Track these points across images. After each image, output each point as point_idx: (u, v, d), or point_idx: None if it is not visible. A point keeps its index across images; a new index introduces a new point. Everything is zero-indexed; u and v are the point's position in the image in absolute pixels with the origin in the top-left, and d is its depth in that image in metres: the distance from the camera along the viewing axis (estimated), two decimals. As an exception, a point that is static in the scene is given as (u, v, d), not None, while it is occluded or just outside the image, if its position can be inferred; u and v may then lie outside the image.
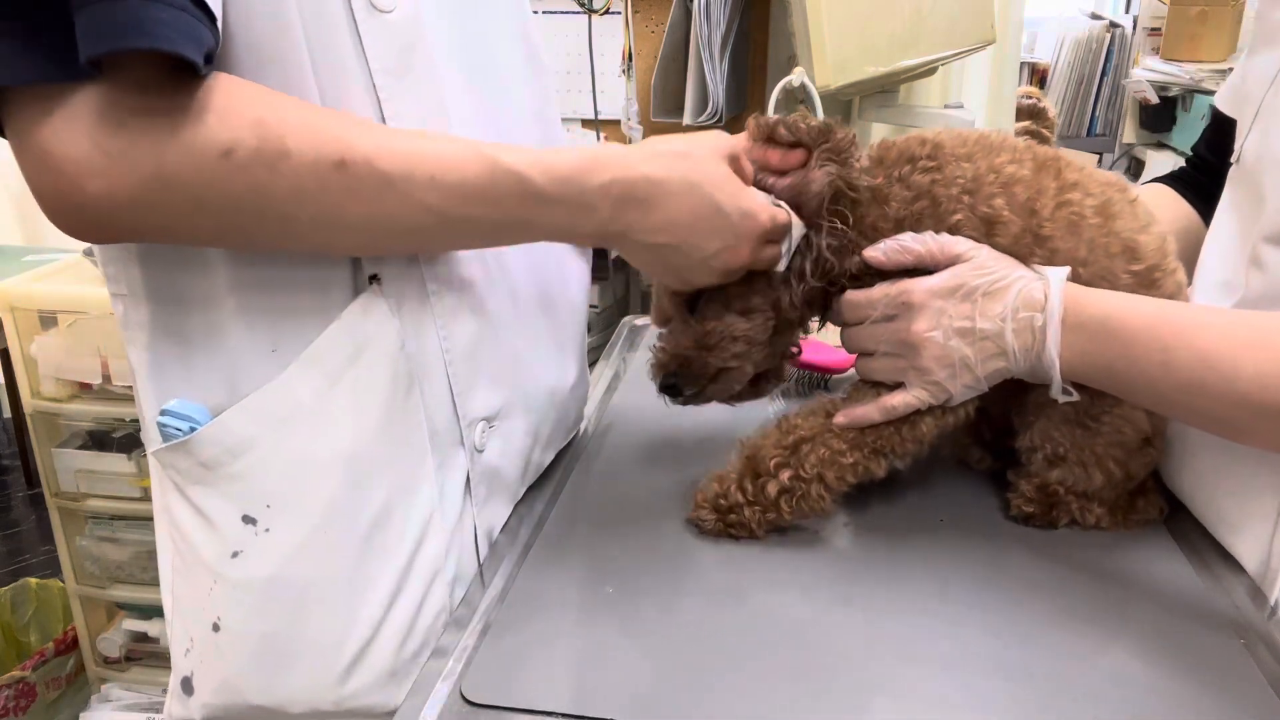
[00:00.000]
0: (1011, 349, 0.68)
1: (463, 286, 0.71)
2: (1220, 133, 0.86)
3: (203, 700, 0.69)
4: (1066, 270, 0.68)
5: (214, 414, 0.66)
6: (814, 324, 0.79)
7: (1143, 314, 0.66)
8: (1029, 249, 0.70)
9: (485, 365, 0.73)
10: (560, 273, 0.84)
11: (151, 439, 0.68)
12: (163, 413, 0.66)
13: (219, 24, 0.54)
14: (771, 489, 0.73)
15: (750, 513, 0.73)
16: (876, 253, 0.71)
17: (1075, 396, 0.69)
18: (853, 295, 0.73)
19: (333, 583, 0.67)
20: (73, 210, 0.54)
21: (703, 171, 0.66)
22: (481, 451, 0.74)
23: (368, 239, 0.62)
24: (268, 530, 0.66)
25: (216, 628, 0.67)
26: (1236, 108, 0.81)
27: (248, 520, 0.66)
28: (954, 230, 0.70)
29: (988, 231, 0.70)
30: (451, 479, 0.72)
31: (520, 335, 0.77)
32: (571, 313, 0.87)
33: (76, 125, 0.52)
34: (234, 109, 0.54)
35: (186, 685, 0.70)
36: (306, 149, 0.55)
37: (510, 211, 0.62)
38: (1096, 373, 0.67)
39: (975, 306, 0.68)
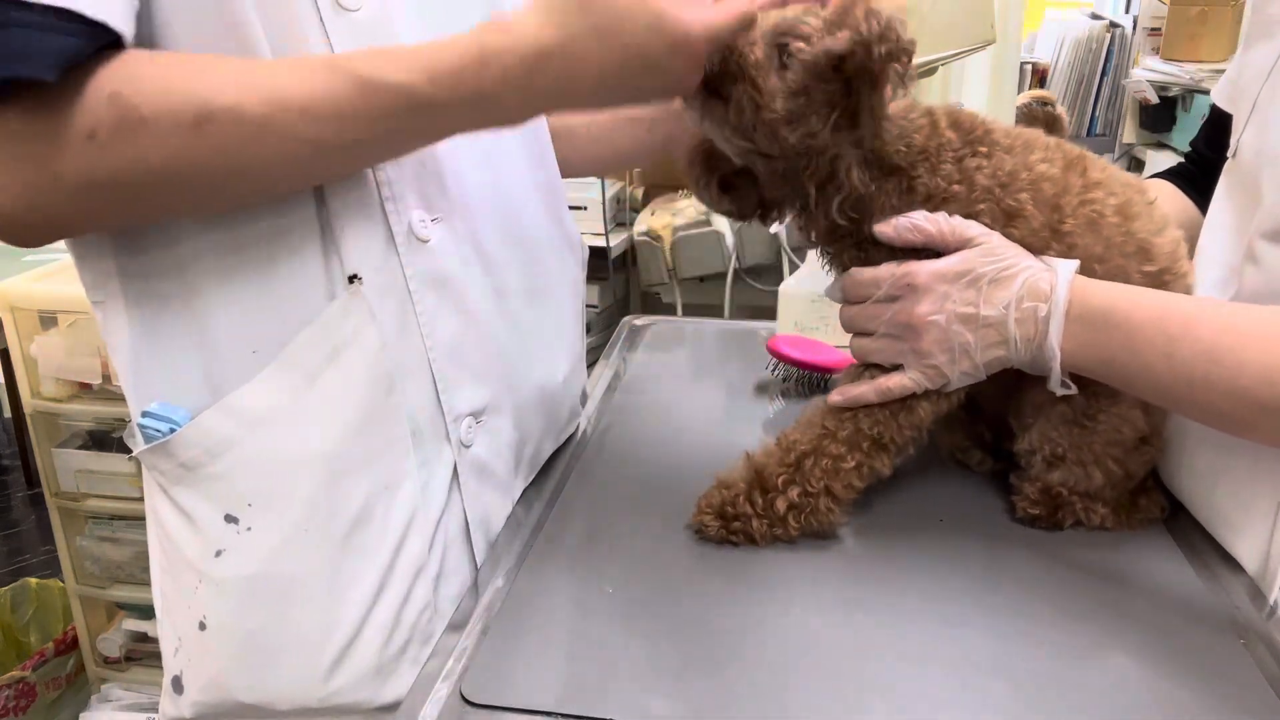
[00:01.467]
0: (1013, 338, 0.68)
1: (445, 284, 0.71)
2: (1218, 128, 0.86)
3: (192, 699, 0.69)
4: (1075, 263, 0.68)
5: (196, 416, 0.66)
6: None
7: (1147, 306, 0.65)
8: (1046, 243, 0.70)
9: (470, 361, 0.74)
10: (548, 267, 0.84)
11: (136, 441, 0.68)
12: (144, 414, 0.66)
13: (107, 20, 0.53)
14: (780, 505, 0.73)
15: (758, 524, 0.73)
16: (887, 228, 0.70)
17: (1073, 389, 0.69)
18: (856, 273, 0.73)
19: (315, 580, 0.67)
20: None
21: (609, 16, 0.58)
22: (469, 447, 0.74)
23: (267, 183, 0.61)
24: (249, 529, 0.66)
25: (203, 626, 0.68)
26: (1233, 102, 0.80)
27: (229, 519, 0.66)
28: (972, 217, 0.70)
29: (1006, 223, 0.70)
30: (436, 476, 0.73)
31: (506, 331, 0.77)
32: (560, 307, 0.86)
33: None
34: (92, 90, 0.54)
35: (177, 684, 0.70)
36: (162, 113, 0.54)
37: (402, 124, 0.59)
38: (1098, 365, 0.67)
39: (980, 293, 0.68)
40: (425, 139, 0.63)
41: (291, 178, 0.62)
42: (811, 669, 0.61)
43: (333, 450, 0.67)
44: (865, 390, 0.72)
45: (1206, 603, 0.68)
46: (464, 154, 0.72)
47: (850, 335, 0.75)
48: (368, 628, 0.69)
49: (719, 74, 0.64)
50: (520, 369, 0.79)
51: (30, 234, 0.58)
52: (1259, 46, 0.74)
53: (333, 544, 0.67)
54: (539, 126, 0.83)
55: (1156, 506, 0.78)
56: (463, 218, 0.72)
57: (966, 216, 0.70)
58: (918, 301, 0.69)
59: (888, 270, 0.70)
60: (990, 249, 0.68)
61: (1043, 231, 0.70)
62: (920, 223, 0.69)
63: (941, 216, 0.69)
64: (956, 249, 0.69)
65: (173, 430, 0.65)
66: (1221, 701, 0.58)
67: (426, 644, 0.71)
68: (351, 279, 0.66)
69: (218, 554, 0.67)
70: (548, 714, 0.58)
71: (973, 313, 0.68)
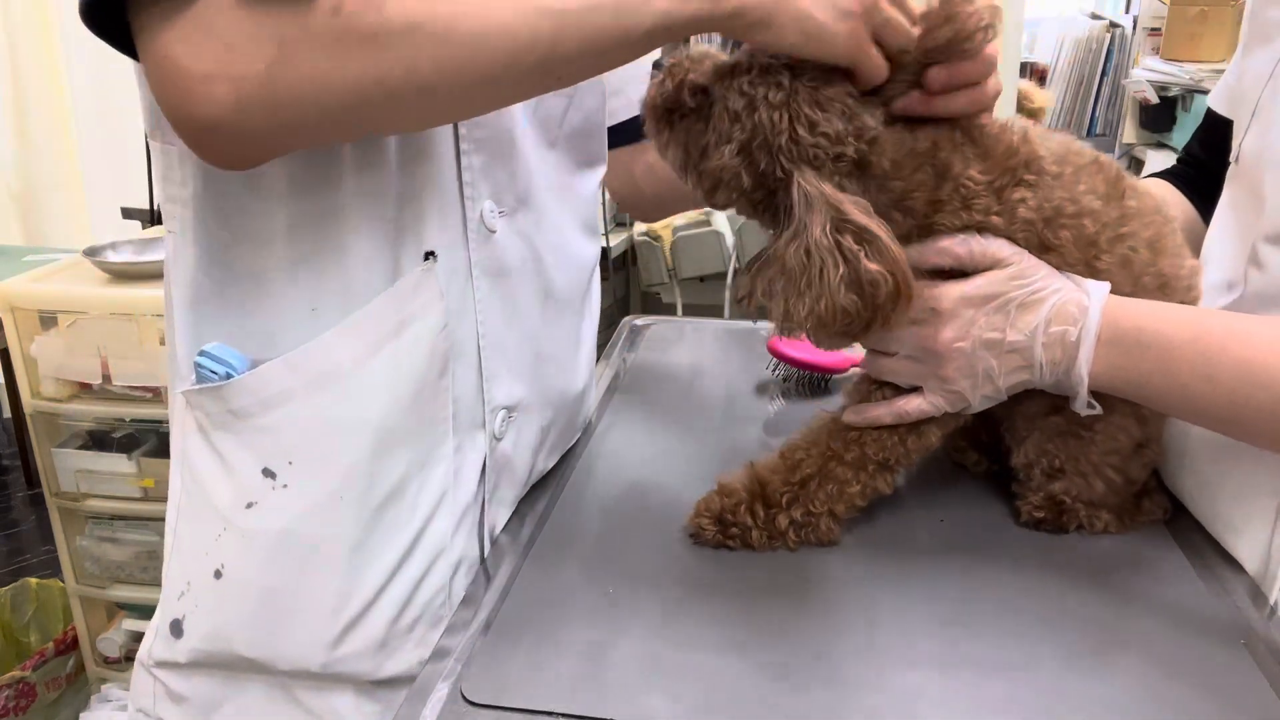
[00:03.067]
0: (1039, 363, 0.66)
1: (502, 276, 0.73)
2: (1213, 131, 0.86)
3: (191, 645, 0.69)
4: (1107, 285, 0.66)
5: (254, 364, 0.66)
6: None
7: (1180, 326, 0.64)
8: (1079, 275, 0.68)
9: (510, 356, 0.75)
10: (582, 279, 0.85)
11: (182, 377, 0.68)
12: (201, 353, 0.66)
13: None
14: (782, 521, 0.72)
15: (757, 535, 0.73)
16: (912, 254, 0.66)
17: (1098, 409, 0.68)
18: None
19: (341, 546, 0.67)
20: (205, 126, 0.54)
21: None
22: (500, 440, 0.75)
23: (487, 73, 0.56)
24: (285, 486, 0.66)
25: (219, 575, 0.67)
26: (1232, 108, 0.80)
27: (267, 473, 0.66)
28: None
29: (1041, 253, 0.67)
30: (468, 462, 0.73)
31: (544, 333, 0.79)
32: (586, 320, 0.88)
33: (199, 25, 0.52)
34: None
35: (176, 628, 0.69)
36: None
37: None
38: (1129, 386, 0.65)
39: (1008, 318, 0.66)
40: (628, 27, 0.58)
41: (500, 76, 0.57)
42: (811, 669, 0.61)
43: (381, 421, 0.67)
44: (881, 413, 0.71)
45: (1207, 604, 0.68)
46: (533, 154, 0.75)
47: (866, 350, 0.74)
48: (382, 601, 0.69)
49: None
50: (550, 373, 0.81)
51: (240, 139, 0.55)
52: (1258, 51, 0.74)
53: (365, 513, 0.68)
54: (600, 140, 0.85)
55: (1159, 509, 0.78)
56: (524, 216, 0.75)
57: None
58: (942, 326, 0.67)
59: None
60: (1020, 271, 0.66)
61: (1077, 266, 0.68)
62: (948, 246, 0.66)
63: (971, 237, 0.66)
64: (984, 268, 0.66)
65: (229, 375, 0.65)
66: (1222, 702, 0.58)
67: (435, 626, 0.72)
68: (428, 255, 0.67)
69: (249, 505, 0.66)
70: (548, 714, 0.57)
71: (998, 338, 0.66)
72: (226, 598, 0.68)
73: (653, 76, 0.69)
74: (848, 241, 0.61)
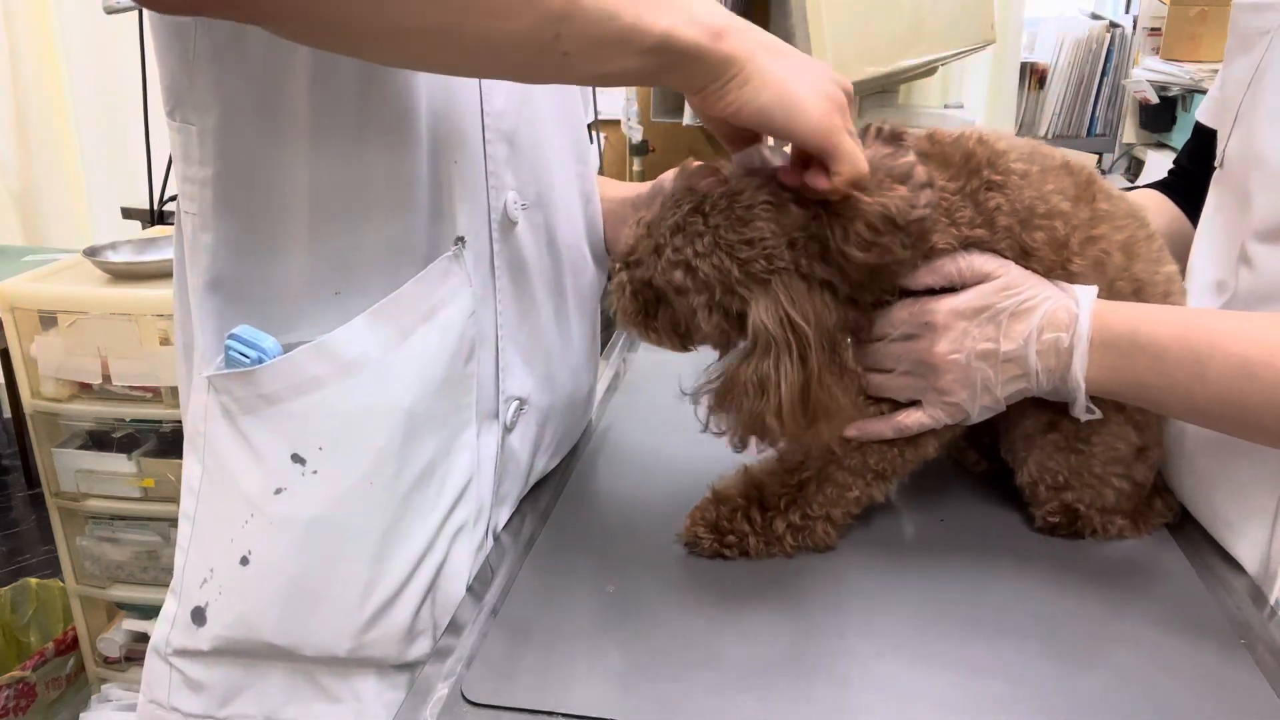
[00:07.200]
0: (1034, 370, 0.66)
1: (521, 269, 0.73)
2: (1201, 143, 0.87)
3: (215, 632, 0.68)
4: (1094, 289, 0.67)
5: (286, 348, 0.66)
6: None
7: (1172, 324, 0.64)
8: (1058, 279, 0.68)
9: (523, 349, 0.75)
10: (594, 283, 0.86)
11: (206, 361, 0.68)
12: (230, 336, 0.66)
13: None
14: (779, 525, 0.72)
15: (755, 541, 0.73)
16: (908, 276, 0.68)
17: (1098, 414, 0.68)
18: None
19: (370, 533, 0.67)
20: None
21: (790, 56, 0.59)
22: (510, 431, 0.75)
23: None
24: (315, 472, 0.66)
25: (245, 561, 0.67)
26: (1217, 117, 0.81)
27: (296, 459, 0.66)
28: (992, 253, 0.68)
29: (1022, 259, 0.68)
30: (486, 450, 0.74)
31: (555, 330, 0.79)
32: (593, 324, 0.89)
33: None
34: None
35: (199, 615, 0.68)
36: None
37: None
38: (1125, 388, 0.66)
39: (1000, 329, 0.66)
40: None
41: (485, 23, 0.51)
42: (812, 669, 0.61)
43: (412, 407, 0.67)
44: (882, 427, 0.71)
45: (1207, 603, 0.68)
46: (552, 153, 0.75)
47: (862, 368, 0.73)
48: (409, 587, 0.69)
49: None
50: (558, 371, 0.81)
51: None
52: (1239, 60, 0.75)
53: (394, 499, 0.68)
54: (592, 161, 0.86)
55: (1170, 510, 0.78)
56: (543, 213, 0.75)
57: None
58: (936, 340, 0.67)
59: (904, 310, 0.69)
60: (1008, 282, 0.67)
61: (1054, 270, 0.68)
62: (939, 264, 0.67)
63: (960, 255, 0.67)
64: (974, 284, 0.67)
65: (260, 359, 0.65)
66: (1222, 702, 0.58)
67: (450, 612, 0.72)
68: (458, 240, 0.68)
69: (278, 491, 0.66)
70: (548, 714, 0.58)
71: (993, 348, 0.66)
72: (253, 584, 0.67)
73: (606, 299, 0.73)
74: (773, 377, 0.63)
